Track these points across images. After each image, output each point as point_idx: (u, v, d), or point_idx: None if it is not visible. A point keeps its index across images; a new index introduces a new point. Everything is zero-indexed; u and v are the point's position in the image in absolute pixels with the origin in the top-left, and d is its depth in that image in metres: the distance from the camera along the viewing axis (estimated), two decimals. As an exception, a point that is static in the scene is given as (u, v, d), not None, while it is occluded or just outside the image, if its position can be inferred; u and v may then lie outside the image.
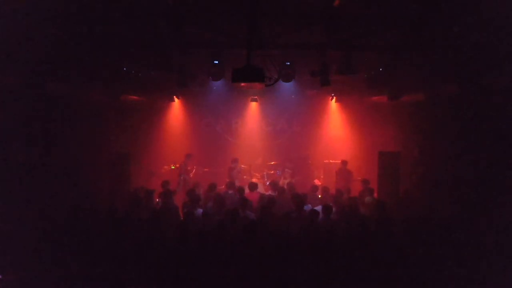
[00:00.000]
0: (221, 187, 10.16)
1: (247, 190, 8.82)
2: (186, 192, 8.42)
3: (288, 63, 8.21)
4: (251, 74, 6.30)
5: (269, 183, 9.99)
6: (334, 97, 12.69)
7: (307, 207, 7.28)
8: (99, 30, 6.58)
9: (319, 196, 9.05)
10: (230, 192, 8.64)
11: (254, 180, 10.97)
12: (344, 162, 11.19)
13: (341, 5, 5.74)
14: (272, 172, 12.07)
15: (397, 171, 9.23)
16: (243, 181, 11.37)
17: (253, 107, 13.37)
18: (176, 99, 12.76)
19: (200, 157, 12.68)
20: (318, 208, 6.98)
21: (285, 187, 9.48)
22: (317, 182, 11.23)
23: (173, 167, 11.89)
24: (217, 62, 8.01)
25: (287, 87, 11.10)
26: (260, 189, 10.24)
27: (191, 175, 11.47)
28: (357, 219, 6.46)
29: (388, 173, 9.36)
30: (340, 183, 10.69)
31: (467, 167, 7.34)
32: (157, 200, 8.37)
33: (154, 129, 12.39)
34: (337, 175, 11.28)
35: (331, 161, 12.22)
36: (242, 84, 10.82)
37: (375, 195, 8.86)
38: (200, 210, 7.20)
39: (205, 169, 12.42)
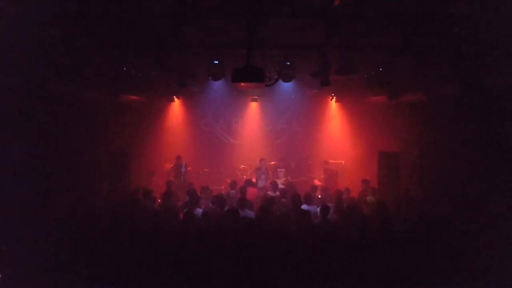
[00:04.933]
0: (221, 187, 10.17)
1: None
2: (186, 192, 8.42)
3: (288, 63, 8.20)
4: (251, 74, 6.30)
5: (269, 182, 10.01)
6: (334, 97, 12.69)
7: (305, 207, 7.29)
8: (99, 30, 6.58)
9: (319, 196, 9.05)
10: (232, 191, 8.68)
11: (254, 180, 10.97)
12: (325, 162, 11.82)
13: (341, 5, 5.74)
14: (271, 172, 12.05)
15: (397, 171, 9.23)
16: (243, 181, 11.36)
17: (253, 107, 13.36)
18: (176, 99, 12.76)
19: (200, 157, 12.69)
20: (314, 208, 7.00)
21: (282, 187, 9.49)
22: (317, 182, 11.24)
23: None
24: (217, 62, 8.01)
25: (287, 87, 11.10)
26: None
27: (183, 177, 11.37)
28: (357, 219, 6.46)
29: (388, 173, 9.36)
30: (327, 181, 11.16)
31: (467, 167, 7.34)
32: (159, 200, 8.37)
33: (154, 129, 12.37)
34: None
35: (331, 161, 12.22)
36: (242, 84, 10.82)
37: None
38: (200, 210, 7.21)
39: (205, 169, 12.42)
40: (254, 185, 9.74)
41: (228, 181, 10.16)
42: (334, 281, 4.79)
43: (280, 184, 10.38)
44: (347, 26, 6.49)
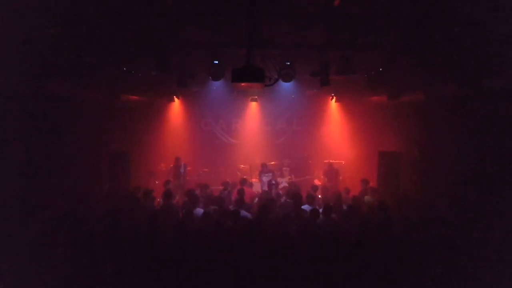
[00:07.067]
0: (221, 187, 10.16)
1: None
2: (185, 192, 8.42)
3: (288, 63, 8.20)
4: (251, 74, 6.29)
5: (269, 181, 10.01)
6: (334, 97, 12.70)
7: (306, 207, 7.29)
8: (99, 30, 6.58)
9: (319, 196, 9.06)
10: (225, 191, 8.69)
11: (253, 180, 10.97)
12: (329, 164, 11.77)
13: (341, 5, 5.74)
14: (276, 173, 12.05)
15: (397, 171, 9.23)
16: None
17: (253, 107, 13.37)
18: (176, 99, 12.77)
19: (200, 157, 12.69)
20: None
21: (286, 185, 9.48)
22: (317, 182, 11.24)
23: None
24: (217, 62, 8.00)
25: (287, 87, 11.09)
26: (259, 189, 10.26)
27: (182, 178, 11.35)
28: (357, 219, 6.46)
29: (388, 173, 9.36)
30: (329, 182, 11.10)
31: (467, 167, 7.34)
32: (159, 199, 8.37)
33: (154, 129, 12.39)
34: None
35: (331, 161, 12.23)
36: (242, 84, 10.81)
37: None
38: (199, 210, 7.21)
39: (205, 169, 12.42)
40: (250, 185, 9.72)
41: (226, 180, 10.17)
42: (334, 281, 4.79)
43: (285, 182, 10.38)
44: (347, 26, 6.48)
